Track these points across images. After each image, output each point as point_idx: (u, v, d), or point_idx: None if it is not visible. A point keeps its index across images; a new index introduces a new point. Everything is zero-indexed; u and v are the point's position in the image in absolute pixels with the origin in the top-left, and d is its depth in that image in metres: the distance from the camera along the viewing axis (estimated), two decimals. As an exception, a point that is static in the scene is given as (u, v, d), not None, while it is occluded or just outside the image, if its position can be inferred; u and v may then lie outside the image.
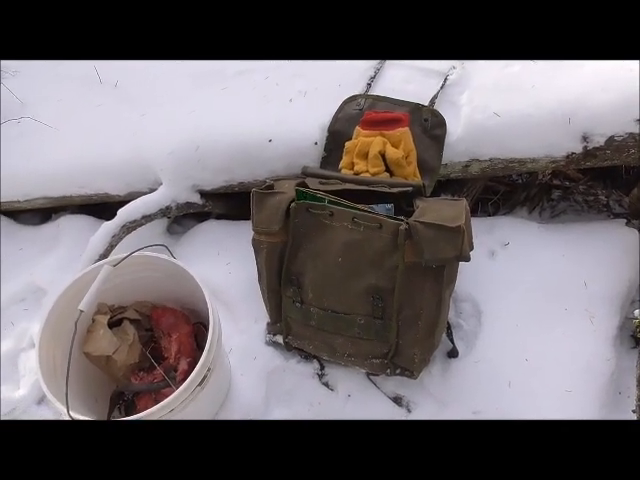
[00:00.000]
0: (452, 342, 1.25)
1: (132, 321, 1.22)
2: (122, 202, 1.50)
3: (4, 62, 1.91)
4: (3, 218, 1.74)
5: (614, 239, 1.38)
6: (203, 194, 1.48)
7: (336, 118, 1.35)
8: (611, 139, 1.23)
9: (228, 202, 1.54)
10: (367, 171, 1.24)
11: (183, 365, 1.16)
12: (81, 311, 0.95)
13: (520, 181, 1.66)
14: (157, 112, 1.57)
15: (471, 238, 1.13)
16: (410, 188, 1.15)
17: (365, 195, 1.15)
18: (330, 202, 1.13)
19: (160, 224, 1.57)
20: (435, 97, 1.33)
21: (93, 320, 1.16)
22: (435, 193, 1.38)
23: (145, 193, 1.48)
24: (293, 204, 1.13)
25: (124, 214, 1.42)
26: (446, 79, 1.35)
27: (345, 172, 1.27)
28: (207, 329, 1.14)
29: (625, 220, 1.47)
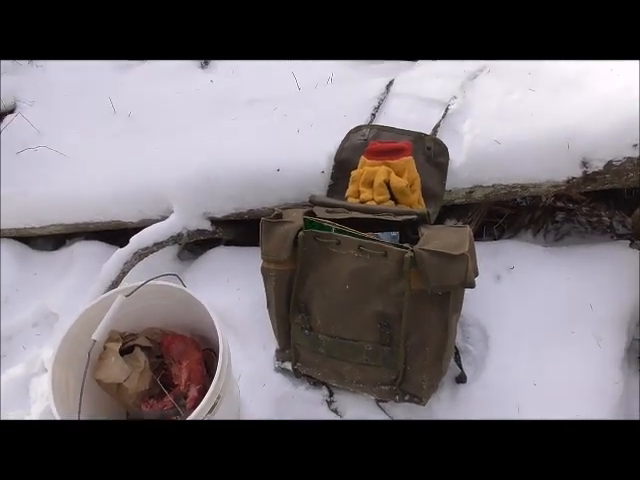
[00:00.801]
0: (460, 367, 1.26)
1: (143, 348, 1.24)
2: (135, 229, 1.54)
3: (22, 92, 1.98)
4: (18, 244, 1.78)
5: (618, 260, 1.39)
6: (213, 221, 1.52)
7: (342, 148, 1.39)
8: (610, 163, 1.25)
9: (238, 228, 1.58)
10: (373, 199, 1.27)
11: (193, 392, 1.18)
12: (94, 341, 0.98)
13: (524, 204, 1.68)
14: (169, 142, 1.62)
15: (476, 264, 1.15)
16: (415, 216, 1.17)
17: (371, 223, 1.18)
18: (337, 230, 1.16)
19: (171, 250, 1.61)
20: (437, 126, 1.37)
21: (105, 347, 1.19)
22: (440, 218, 1.41)
23: (157, 220, 1.52)
24: (301, 233, 1.16)
25: (136, 241, 1.45)
26: (447, 108, 1.38)
27: (351, 200, 1.30)
28: (217, 355, 1.16)
29: (629, 241, 1.48)
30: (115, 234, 1.68)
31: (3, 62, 2.08)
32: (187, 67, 2.09)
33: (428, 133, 1.36)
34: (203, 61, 2.12)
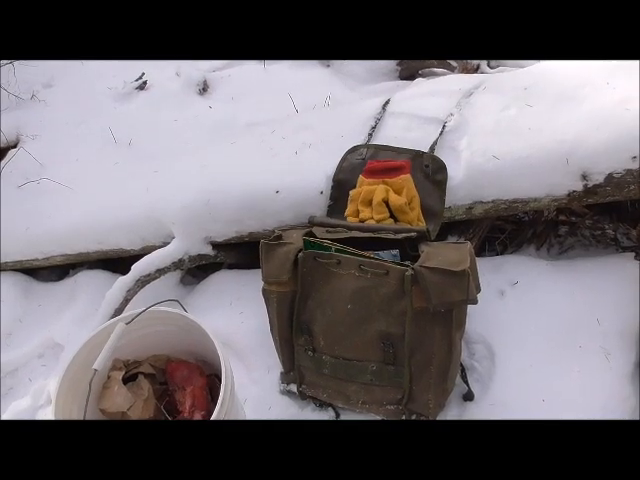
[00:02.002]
0: (467, 385, 1.24)
1: (147, 375, 1.23)
2: (137, 256, 1.54)
3: (24, 127, 2.02)
4: (22, 276, 1.79)
5: (624, 273, 1.38)
6: (215, 245, 1.52)
7: (340, 168, 1.40)
8: (610, 176, 1.25)
9: (239, 251, 1.58)
10: (372, 218, 1.27)
11: (197, 418, 1.16)
12: (95, 370, 0.97)
13: (526, 218, 1.68)
14: (169, 168, 1.64)
15: (477, 280, 1.14)
16: (414, 233, 1.17)
17: (371, 242, 1.18)
18: (337, 250, 1.16)
19: (173, 276, 1.61)
20: (435, 143, 1.37)
21: (109, 376, 1.18)
22: (442, 234, 1.41)
23: (159, 247, 1.53)
24: (301, 254, 1.16)
25: (138, 269, 1.46)
26: (444, 126, 1.39)
27: (351, 220, 1.31)
28: (220, 380, 1.15)
29: (634, 253, 1.46)
30: (118, 261, 1.69)
31: (6, 99, 2.12)
32: (186, 94, 2.12)
33: (426, 151, 1.37)
34: (201, 87, 2.15)
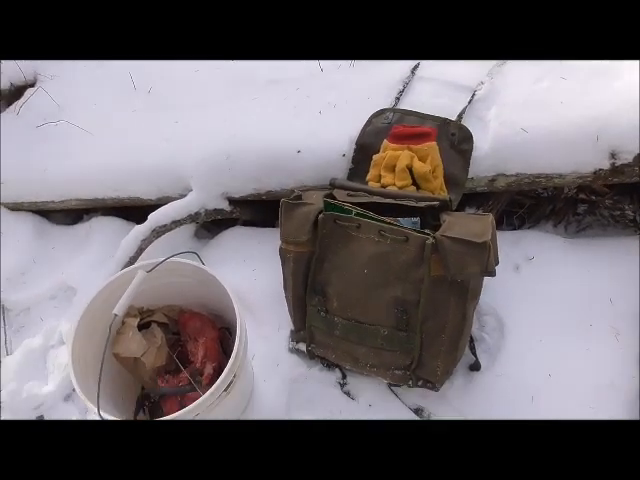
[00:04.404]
0: (475, 355, 1.26)
1: (160, 324, 1.25)
2: (153, 206, 1.54)
3: (42, 67, 1.98)
4: (37, 217, 1.79)
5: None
6: (231, 201, 1.52)
7: (364, 131, 1.37)
8: (639, 156, 1.23)
9: (255, 209, 1.57)
10: (394, 184, 1.26)
11: (209, 369, 1.19)
12: (115, 315, 0.98)
13: (546, 195, 1.66)
14: (189, 119, 1.61)
15: (497, 253, 1.14)
16: (437, 202, 1.16)
17: (392, 208, 1.17)
18: (357, 214, 1.15)
19: (188, 229, 1.61)
20: (463, 112, 1.34)
21: (123, 322, 1.20)
22: (461, 205, 1.39)
23: (176, 198, 1.52)
24: (321, 215, 1.15)
25: (155, 219, 1.45)
26: (474, 94, 1.36)
27: (372, 185, 1.29)
28: (232, 334, 1.17)
29: (652, 236, 1.45)
30: (132, 210, 1.68)
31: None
32: (208, 44, 2.07)
33: (453, 119, 1.34)
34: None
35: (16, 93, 1.93)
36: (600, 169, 1.27)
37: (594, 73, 1.30)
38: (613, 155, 1.25)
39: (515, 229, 1.55)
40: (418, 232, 1.10)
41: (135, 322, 1.20)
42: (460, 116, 1.34)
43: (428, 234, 1.09)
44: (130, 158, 1.58)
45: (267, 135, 1.45)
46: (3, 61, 1.99)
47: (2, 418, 1.37)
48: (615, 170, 1.26)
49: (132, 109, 1.72)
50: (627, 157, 1.24)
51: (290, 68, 1.75)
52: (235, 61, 1.94)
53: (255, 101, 1.60)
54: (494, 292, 1.32)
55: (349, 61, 1.71)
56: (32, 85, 1.93)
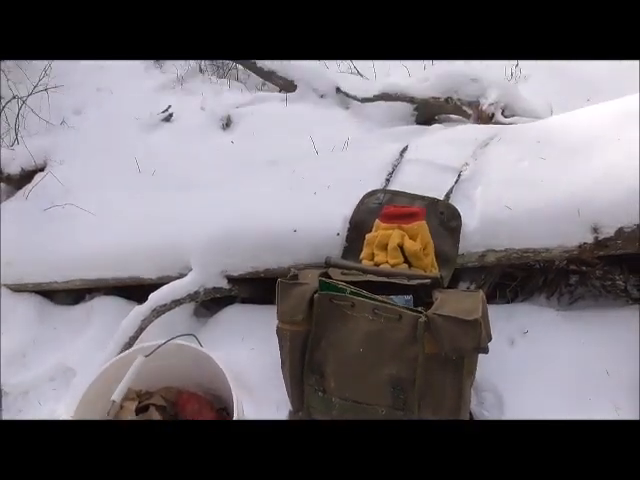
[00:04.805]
0: (474, 433, 1.25)
1: (158, 407, 1.25)
2: (153, 285, 1.58)
3: (53, 152, 2.09)
4: (40, 298, 1.83)
5: (634, 325, 1.38)
6: (230, 279, 1.55)
7: (357, 211, 1.44)
8: (620, 230, 1.27)
9: (253, 286, 1.61)
10: (387, 262, 1.30)
11: (206, 453, 1.17)
12: (114, 402, 0.99)
13: (537, 266, 1.70)
14: (190, 200, 1.69)
15: (489, 330, 1.16)
16: (428, 280, 1.20)
17: (385, 286, 1.21)
18: (352, 293, 1.18)
19: (187, 307, 1.64)
20: (450, 191, 1.41)
21: (122, 406, 1.20)
22: (454, 280, 1.43)
23: (175, 277, 1.56)
24: (316, 294, 1.19)
25: (155, 299, 1.49)
26: (460, 174, 1.43)
27: (366, 263, 1.33)
28: (230, 415, 1.17)
29: (644, 306, 1.47)
30: (133, 289, 1.72)
31: (37, 123, 2.21)
32: (209, 128, 2.20)
33: (441, 198, 1.41)
34: (225, 122, 2.22)
35: (26, 177, 2.03)
36: (584, 243, 1.32)
37: (571, 153, 1.38)
38: (595, 229, 1.30)
39: (509, 302, 1.57)
40: (411, 310, 1.13)
41: (133, 406, 1.20)
42: (448, 195, 1.41)
43: (420, 312, 1.12)
44: (132, 239, 1.64)
45: (265, 215, 1.51)
46: (15, 147, 2.11)
47: None
48: (599, 244, 1.31)
49: (136, 191, 1.80)
50: (609, 231, 1.28)
51: (287, 150, 1.86)
52: (235, 144, 2.06)
53: (254, 182, 1.68)
54: (491, 367, 1.33)
55: (342, 143, 1.82)
56: (42, 169, 2.03)
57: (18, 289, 1.79)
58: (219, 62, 2.69)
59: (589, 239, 1.31)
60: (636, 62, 1.81)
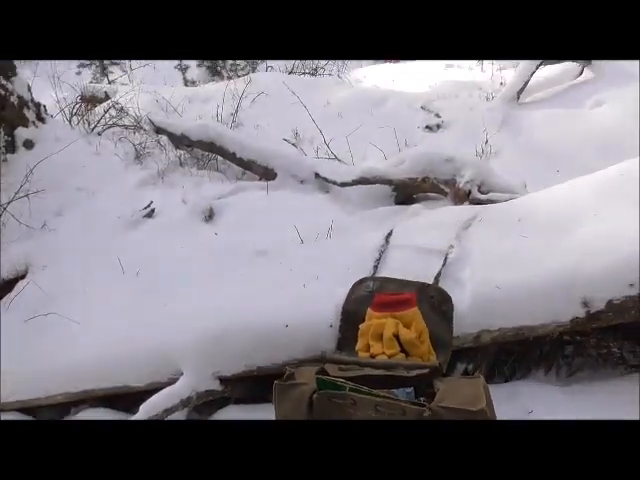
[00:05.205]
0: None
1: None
2: (142, 392, 1.51)
3: (34, 257, 2.06)
4: (22, 416, 1.73)
5: (634, 394, 1.36)
6: (222, 380, 1.50)
7: (348, 301, 1.43)
8: (610, 302, 1.29)
9: (247, 386, 1.56)
10: (383, 353, 1.28)
11: None
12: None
13: (531, 338, 1.69)
14: (177, 301, 1.66)
15: (494, 415, 1.13)
16: (427, 370, 1.17)
17: (385, 379, 1.17)
18: (351, 389, 1.15)
19: (180, 413, 1.56)
20: (439, 275, 1.42)
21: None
22: (451, 361, 1.41)
23: (166, 383, 1.50)
24: (315, 395, 1.15)
25: (146, 410, 1.42)
26: (446, 258, 1.45)
27: (362, 355, 1.31)
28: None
29: (642, 373, 1.46)
30: (121, 398, 1.65)
31: (17, 228, 2.19)
32: (192, 221, 2.22)
33: (430, 282, 1.41)
34: (207, 215, 2.25)
35: (7, 286, 1.99)
36: (577, 317, 1.32)
37: (552, 230, 1.42)
38: (585, 303, 1.31)
39: (507, 380, 1.55)
40: (413, 404, 1.09)
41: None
42: (437, 279, 1.42)
43: (424, 405, 1.08)
44: (119, 345, 1.59)
45: (255, 312, 1.50)
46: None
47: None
48: (591, 317, 1.31)
49: (121, 294, 1.78)
50: (599, 304, 1.30)
51: (272, 240, 1.87)
52: (219, 235, 2.08)
53: (240, 276, 1.67)
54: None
55: (326, 230, 1.84)
56: (23, 276, 2.00)
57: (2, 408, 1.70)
58: (199, 154, 2.76)
59: (581, 313, 1.32)
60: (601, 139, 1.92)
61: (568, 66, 2.80)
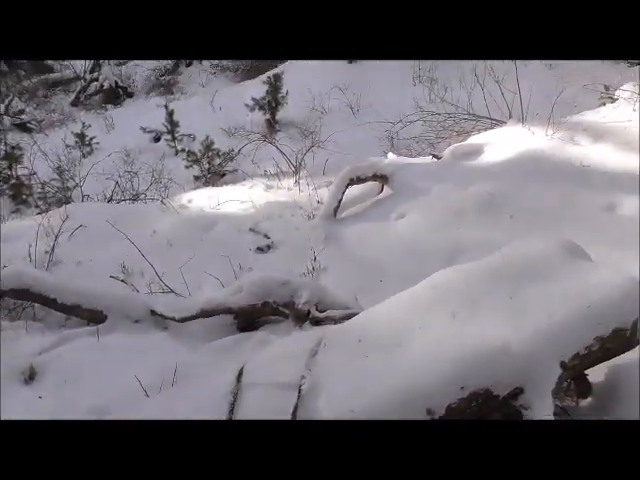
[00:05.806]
0: None
1: None
2: None
3: None
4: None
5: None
6: None
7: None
8: (449, 407, 1.41)
9: None
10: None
11: None
12: None
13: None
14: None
15: None
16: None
17: None
18: None
19: None
20: (295, 409, 1.43)
21: None
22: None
23: None
24: None
25: None
26: (300, 390, 1.47)
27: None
28: None
29: None
30: None
31: None
32: (8, 385, 1.91)
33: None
34: (27, 375, 1.95)
35: None
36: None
37: (389, 345, 1.54)
38: (429, 411, 1.42)
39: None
40: None
41: None
42: (294, 414, 1.42)
43: None
44: None
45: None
46: None
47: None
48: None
49: None
50: (440, 411, 1.41)
51: (110, 396, 1.70)
52: (45, 399, 1.82)
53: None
54: None
55: (171, 374, 1.74)
56: None
57: None
58: (10, 303, 2.44)
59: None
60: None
61: (370, 185, 3.23)
